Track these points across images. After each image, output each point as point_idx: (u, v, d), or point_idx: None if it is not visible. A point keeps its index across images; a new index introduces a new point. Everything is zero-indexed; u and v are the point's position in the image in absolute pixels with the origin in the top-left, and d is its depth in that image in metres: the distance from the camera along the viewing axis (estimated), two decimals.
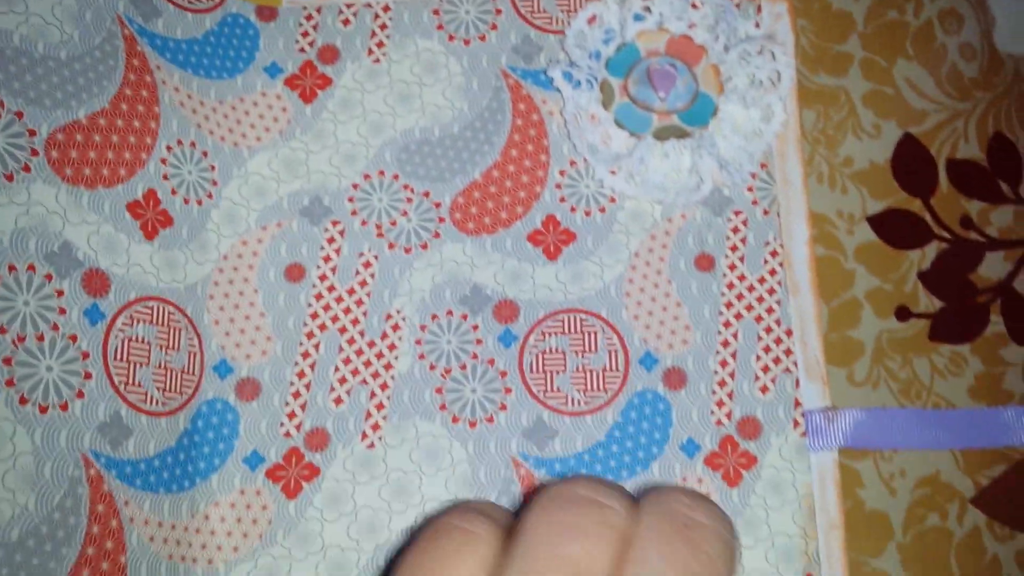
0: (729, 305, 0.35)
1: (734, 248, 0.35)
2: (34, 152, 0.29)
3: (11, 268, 0.28)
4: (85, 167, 0.31)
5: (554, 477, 0.33)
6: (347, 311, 0.35)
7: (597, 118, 0.35)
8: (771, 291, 0.35)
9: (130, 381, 0.31)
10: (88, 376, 0.30)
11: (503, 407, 0.34)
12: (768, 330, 0.35)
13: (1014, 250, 0.36)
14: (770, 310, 0.35)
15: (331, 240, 0.35)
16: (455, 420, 0.34)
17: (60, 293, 0.29)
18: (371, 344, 0.34)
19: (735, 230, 0.35)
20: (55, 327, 0.29)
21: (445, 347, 0.34)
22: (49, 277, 0.29)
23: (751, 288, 0.35)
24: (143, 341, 0.32)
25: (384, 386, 0.34)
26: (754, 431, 0.34)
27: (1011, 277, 0.36)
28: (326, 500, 0.33)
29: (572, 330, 0.35)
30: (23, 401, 0.28)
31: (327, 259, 0.35)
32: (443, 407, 0.34)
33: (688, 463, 0.33)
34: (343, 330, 0.34)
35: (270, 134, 0.35)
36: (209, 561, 0.32)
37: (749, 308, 0.35)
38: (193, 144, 0.34)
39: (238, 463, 0.33)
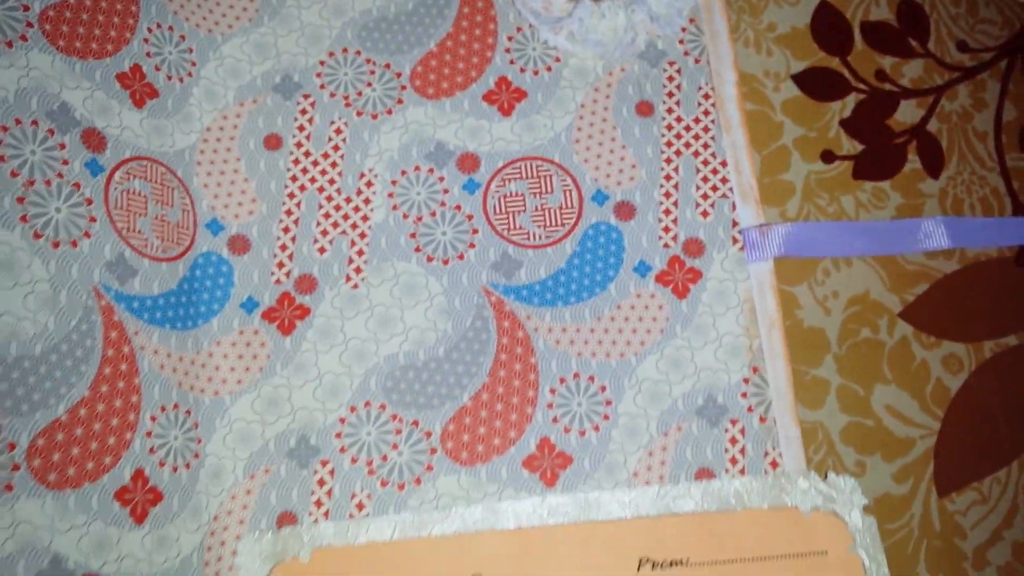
0: (669, 144, 0.41)
1: (670, 95, 0.42)
2: None
3: (17, 121, 0.34)
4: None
5: (522, 302, 0.39)
6: (323, 173, 0.41)
7: None
8: (706, 129, 0.41)
9: (131, 228, 0.37)
10: (93, 219, 0.35)
11: (472, 245, 0.40)
12: (705, 163, 0.41)
13: (925, 97, 0.43)
14: (706, 145, 0.41)
15: (303, 111, 0.41)
16: (430, 259, 0.40)
17: (62, 146, 0.35)
18: (348, 200, 0.40)
19: (670, 79, 0.42)
20: (60, 175, 0.35)
21: (415, 198, 0.40)
22: (51, 132, 0.35)
23: (688, 128, 0.41)
24: (140, 194, 0.37)
25: (363, 235, 0.40)
26: (698, 250, 0.40)
27: (924, 121, 0.43)
28: (318, 334, 0.39)
29: (529, 175, 0.41)
30: (37, 236, 0.33)
31: (301, 128, 0.41)
32: (417, 249, 0.40)
33: (641, 281, 0.40)
34: (321, 189, 0.40)
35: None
36: (216, 392, 0.38)
37: (687, 145, 0.41)
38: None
39: (235, 308, 0.39)
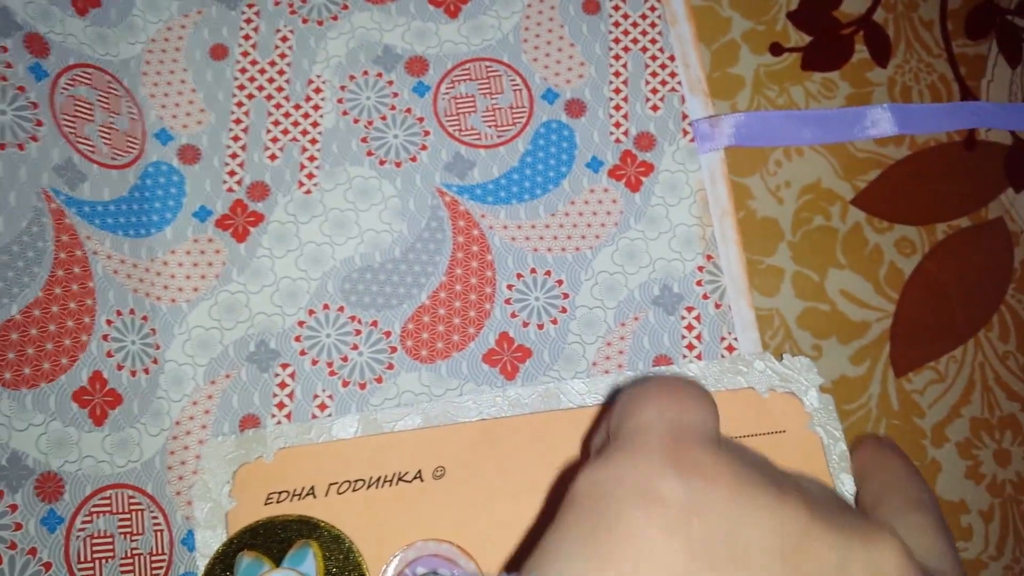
0: (617, 41, 0.42)
1: None
2: None
3: None
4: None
5: (476, 201, 0.40)
6: (271, 80, 0.41)
7: None
8: (653, 24, 0.42)
9: (79, 134, 0.37)
10: (39, 124, 0.36)
11: (424, 147, 0.41)
12: (653, 58, 0.42)
13: None
14: (653, 40, 0.42)
15: (248, 21, 0.42)
16: (382, 163, 0.40)
17: (4, 49, 0.35)
18: (297, 107, 0.41)
19: None
20: (3, 78, 0.35)
21: (365, 103, 0.41)
22: (3, 49, 0.35)
23: (635, 24, 0.42)
24: (86, 101, 0.38)
25: (313, 141, 0.41)
26: (649, 143, 0.41)
27: (870, 11, 0.44)
28: (273, 240, 0.39)
29: (478, 76, 0.42)
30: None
31: (247, 37, 0.41)
32: (369, 153, 0.40)
33: (594, 177, 0.41)
34: (269, 97, 0.41)
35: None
36: (172, 300, 0.38)
37: (635, 41, 0.42)
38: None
39: (188, 217, 0.39)
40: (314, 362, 0.38)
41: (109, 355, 0.36)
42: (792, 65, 0.43)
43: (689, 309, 0.39)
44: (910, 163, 0.42)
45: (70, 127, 0.37)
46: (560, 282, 0.39)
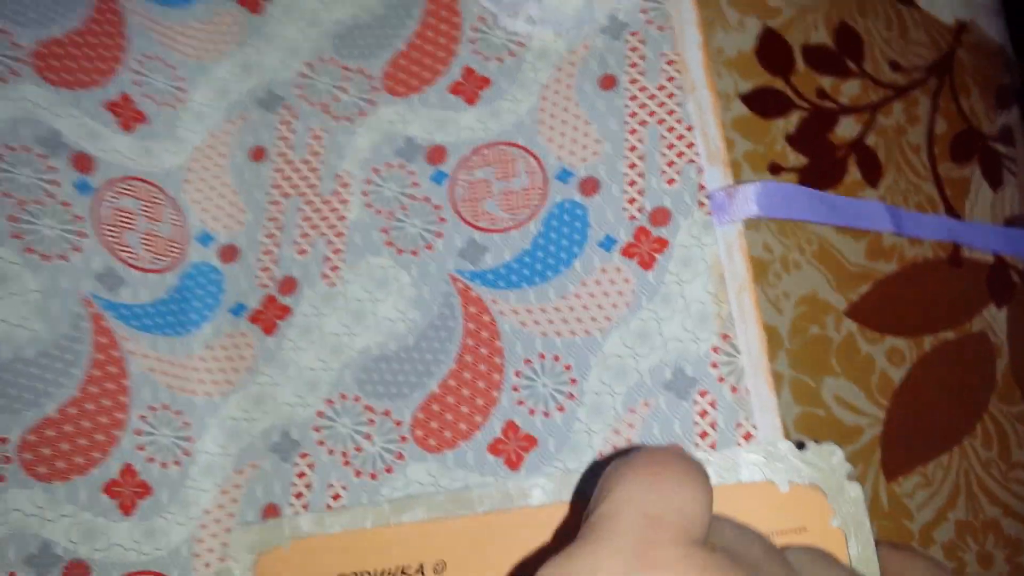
0: (633, 115, 0.42)
1: (633, 65, 0.42)
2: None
3: (9, 148, 0.39)
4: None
5: (488, 287, 0.41)
6: (304, 178, 0.44)
7: None
8: (670, 95, 0.41)
9: (120, 242, 0.41)
10: (83, 235, 0.40)
11: (439, 235, 0.42)
12: (670, 129, 0.41)
13: (862, 114, 0.46)
14: (671, 112, 0.41)
15: (285, 122, 0.45)
16: (400, 252, 0.42)
17: (53, 168, 0.40)
18: (326, 202, 0.44)
19: (633, 49, 0.42)
20: (50, 195, 0.40)
21: (387, 194, 0.43)
22: (42, 156, 0.40)
23: (652, 96, 0.42)
24: (129, 211, 0.42)
25: (339, 234, 0.43)
26: (664, 218, 0.40)
27: (862, 136, 0.46)
28: (297, 332, 0.42)
29: (494, 160, 0.42)
30: (29, 251, 0.39)
31: (284, 139, 0.45)
32: (388, 243, 0.42)
33: (606, 256, 0.40)
34: (302, 194, 0.44)
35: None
36: (207, 393, 0.42)
37: (652, 114, 0.41)
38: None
39: (226, 313, 0.43)
40: (330, 452, 0.40)
41: (140, 448, 0.39)
42: (788, 184, 0.43)
43: (703, 393, 0.38)
44: (899, 278, 0.44)
45: (112, 236, 0.41)
46: (568, 367, 0.39)
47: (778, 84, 0.45)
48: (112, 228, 0.41)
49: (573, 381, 0.39)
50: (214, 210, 0.44)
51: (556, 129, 0.42)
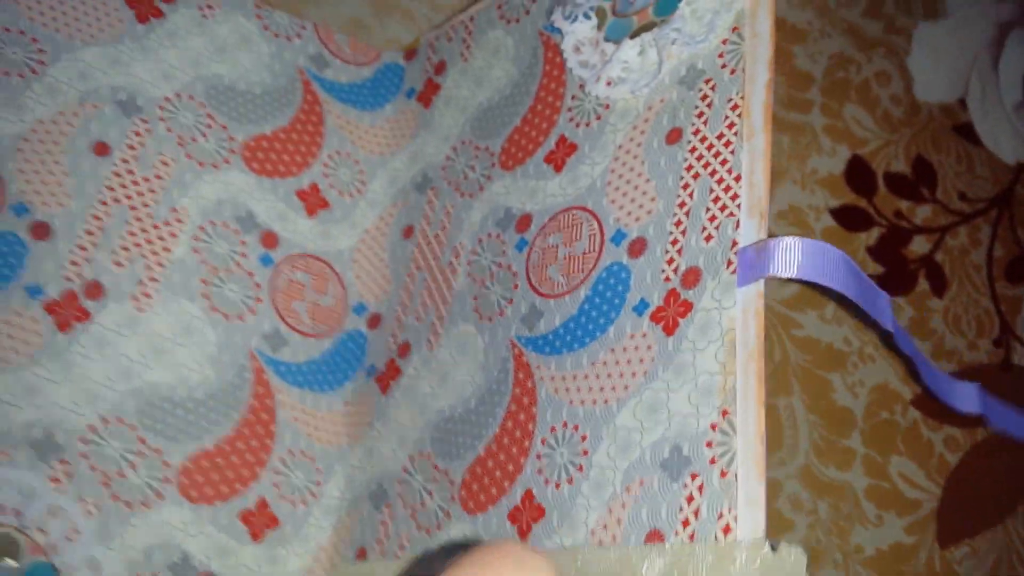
0: (689, 167, 0.39)
1: (700, 114, 0.39)
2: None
3: (212, 223, 0.50)
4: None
5: (536, 352, 0.41)
6: (434, 254, 0.49)
7: (591, 41, 0.44)
8: (727, 144, 0.38)
9: (288, 308, 0.50)
10: (259, 300, 0.50)
11: (510, 301, 0.43)
12: (719, 181, 0.37)
13: (932, 234, 0.57)
14: (724, 162, 0.37)
15: (430, 203, 0.50)
16: (481, 318, 0.44)
17: (244, 243, 0.51)
18: (442, 272, 0.48)
19: (703, 97, 0.39)
20: (239, 264, 0.50)
21: (484, 263, 0.46)
22: (237, 232, 0.51)
23: (710, 146, 0.38)
24: (300, 283, 0.51)
25: (446, 302, 0.47)
26: (694, 280, 0.36)
27: (932, 252, 0.56)
28: (402, 393, 0.46)
29: (565, 226, 0.43)
30: (213, 309, 0.49)
31: (426, 217, 0.50)
32: (476, 310, 0.45)
33: (637, 321, 0.38)
34: (429, 268, 0.48)
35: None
36: (338, 444, 0.48)
37: (706, 165, 0.38)
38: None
39: (362, 375, 0.49)
40: (404, 506, 0.43)
41: (276, 486, 0.47)
42: None
43: (694, 476, 0.33)
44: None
45: (283, 304, 0.50)
46: (584, 437, 0.37)
47: (862, 203, 0.56)
48: (284, 296, 0.51)
49: (584, 452, 0.37)
50: (370, 283, 0.51)
51: (620, 190, 0.41)
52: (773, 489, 0.50)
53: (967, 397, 0.42)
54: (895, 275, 0.54)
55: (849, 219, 0.55)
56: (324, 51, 0.55)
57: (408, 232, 0.51)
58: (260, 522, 0.46)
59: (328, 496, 0.47)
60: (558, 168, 0.44)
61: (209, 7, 0.52)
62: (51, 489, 0.43)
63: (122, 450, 0.44)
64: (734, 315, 0.34)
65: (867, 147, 0.57)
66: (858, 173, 0.56)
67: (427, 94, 0.54)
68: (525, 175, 0.46)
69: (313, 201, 0.53)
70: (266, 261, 0.51)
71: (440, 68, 0.53)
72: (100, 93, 0.48)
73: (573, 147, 0.44)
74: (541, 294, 0.42)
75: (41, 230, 0.45)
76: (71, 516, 0.43)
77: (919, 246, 0.56)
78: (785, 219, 0.56)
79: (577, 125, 0.44)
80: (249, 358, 0.49)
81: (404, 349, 0.47)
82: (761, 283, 0.34)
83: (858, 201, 0.56)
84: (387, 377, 0.48)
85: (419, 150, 0.53)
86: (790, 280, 0.34)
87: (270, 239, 0.51)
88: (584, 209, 0.42)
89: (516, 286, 0.43)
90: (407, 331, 0.48)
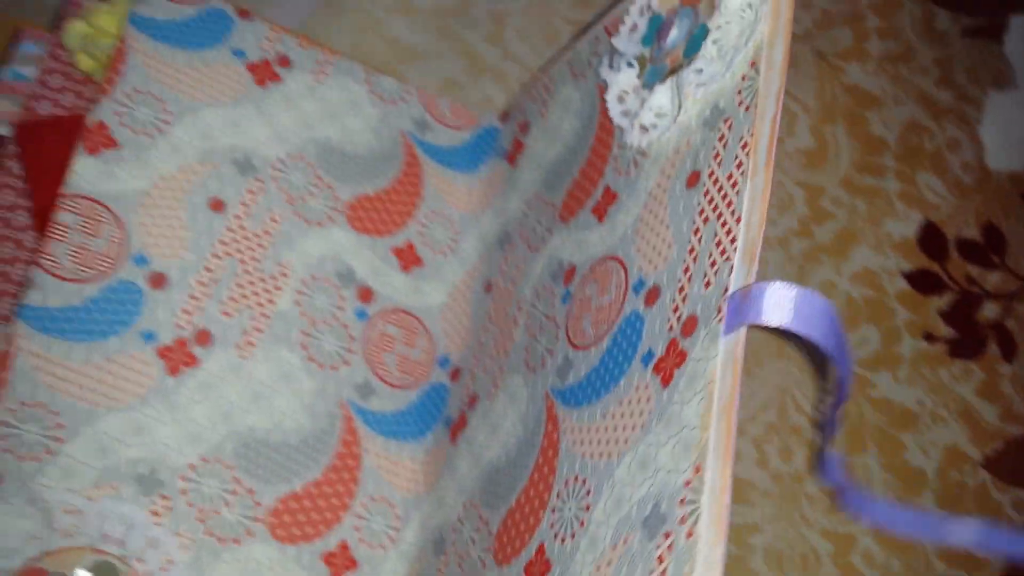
0: (702, 211, 0.37)
1: (716, 155, 0.38)
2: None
3: (314, 277, 0.54)
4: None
5: (564, 404, 0.40)
6: (497, 303, 0.50)
7: (634, 89, 0.44)
8: (735, 184, 0.36)
9: (379, 360, 0.53)
10: (352, 352, 0.53)
11: (551, 352, 0.43)
12: (724, 223, 0.36)
13: (1003, 300, 0.58)
14: (729, 203, 0.36)
15: (506, 258, 0.51)
16: (528, 370, 0.45)
17: (342, 298, 0.54)
18: (507, 325, 0.49)
19: (720, 137, 0.38)
20: (335, 318, 0.54)
21: (538, 315, 0.46)
22: (336, 287, 0.54)
23: (720, 188, 0.37)
24: (392, 337, 0.54)
25: (506, 353, 0.47)
26: (691, 328, 0.35)
27: (1002, 318, 0.58)
28: (463, 441, 0.47)
29: (599, 276, 0.42)
30: (310, 359, 0.53)
31: (503, 270, 0.51)
32: (525, 362, 0.45)
33: (643, 372, 0.37)
34: (496, 321, 0.50)
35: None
36: (416, 492, 0.50)
37: (715, 208, 0.36)
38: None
39: (442, 425, 0.51)
40: (459, 562, 0.44)
41: (357, 530, 0.50)
42: (941, 352, 0.57)
43: (667, 535, 0.32)
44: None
45: (374, 355, 0.53)
46: (589, 492, 0.37)
47: (934, 268, 0.59)
48: (376, 349, 0.54)
49: (587, 508, 0.36)
50: (455, 337, 0.53)
51: (645, 237, 0.40)
52: (847, 544, 0.53)
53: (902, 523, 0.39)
54: (967, 339, 0.56)
55: (922, 283, 0.58)
56: (427, 115, 0.59)
57: (488, 287, 0.52)
58: (340, 564, 0.49)
59: (404, 542, 0.49)
60: (601, 218, 0.44)
61: (322, 72, 0.56)
62: (151, 522, 0.48)
63: (218, 489, 0.49)
64: (716, 366, 0.33)
65: (939, 213, 0.60)
66: (931, 238, 0.59)
67: (514, 153, 0.55)
68: (576, 226, 0.46)
69: (408, 258, 0.56)
70: (361, 315, 0.54)
71: (525, 127, 0.55)
72: (219, 152, 0.52)
73: (614, 196, 0.44)
74: (575, 346, 0.42)
75: (158, 280, 0.49)
76: (168, 548, 0.48)
77: (989, 311, 0.58)
78: (860, 281, 0.58)
79: (619, 174, 0.44)
80: (340, 407, 0.52)
81: (472, 400, 0.49)
82: (743, 332, 0.32)
83: (931, 265, 0.59)
84: (457, 427, 0.49)
85: (503, 207, 0.54)
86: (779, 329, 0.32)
87: (366, 294, 0.55)
88: (615, 258, 0.42)
89: (557, 337, 0.43)
90: (476, 383, 0.49)
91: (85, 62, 0.51)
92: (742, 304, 0.33)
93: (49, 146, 0.50)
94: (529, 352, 0.45)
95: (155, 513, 0.47)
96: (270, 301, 0.52)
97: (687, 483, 0.32)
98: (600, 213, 0.44)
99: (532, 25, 0.62)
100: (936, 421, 0.54)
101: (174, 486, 0.48)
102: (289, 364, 0.52)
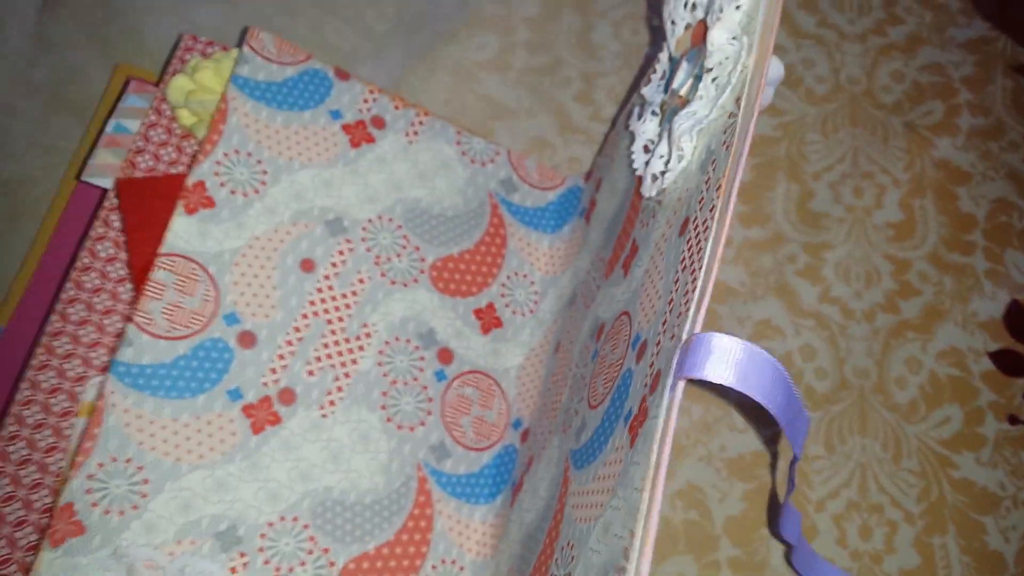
0: (682, 261, 0.35)
1: (701, 200, 0.36)
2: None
3: (396, 338, 0.56)
4: None
5: (573, 467, 0.39)
6: (560, 362, 0.49)
7: (656, 137, 0.43)
8: (707, 228, 0.34)
9: (455, 422, 0.54)
10: (429, 413, 0.55)
11: (576, 414, 0.42)
12: (693, 272, 0.34)
13: None
14: (700, 249, 0.34)
15: (571, 316, 0.51)
16: (563, 432, 0.44)
17: (423, 359, 0.56)
18: (556, 382, 0.48)
19: (707, 180, 0.36)
20: (415, 379, 0.55)
21: (578, 374, 0.45)
22: (417, 348, 0.56)
23: (697, 233, 0.35)
24: (468, 399, 0.55)
25: (556, 408, 0.47)
26: (656, 383, 0.33)
27: None
28: (526, 495, 0.47)
29: (615, 333, 0.41)
30: (388, 420, 0.55)
31: (567, 333, 0.51)
32: (563, 429, 0.44)
33: (622, 432, 0.35)
34: (543, 378, 0.49)
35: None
36: (485, 556, 0.50)
37: (691, 256, 0.35)
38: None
39: (508, 487, 0.51)
40: None
41: None
42: (1023, 435, 0.57)
43: None
44: None
45: (451, 417, 0.54)
46: (573, 559, 0.35)
47: (1020, 349, 0.59)
48: (453, 411, 0.55)
49: (568, 575, 0.35)
50: (528, 400, 0.53)
51: (646, 289, 0.39)
52: None
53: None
54: None
55: (1007, 363, 0.58)
56: (514, 176, 0.59)
57: (557, 348, 0.52)
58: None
59: None
60: (626, 272, 0.43)
61: (415, 132, 0.58)
62: None
63: (294, 547, 0.51)
64: (659, 425, 0.31)
65: None
66: (1018, 318, 0.59)
67: (589, 211, 0.55)
68: (611, 282, 0.45)
69: (488, 320, 0.57)
70: (440, 376, 0.55)
71: (599, 184, 0.54)
72: (312, 213, 0.53)
73: (636, 249, 0.42)
74: (590, 405, 0.41)
75: (247, 339, 0.50)
76: None
77: None
78: (945, 359, 0.59)
79: (643, 226, 0.43)
80: (415, 468, 0.53)
81: (529, 462, 0.48)
82: (680, 386, 0.30)
83: (1016, 346, 0.59)
84: (516, 490, 0.49)
85: (578, 266, 0.54)
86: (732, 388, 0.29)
87: (446, 355, 0.56)
88: (626, 313, 0.40)
89: (583, 398, 0.42)
90: (534, 445, 0.49)
91: (186, 117, 0.55)
92: (684, 357, 0.30)
93: (149, 202, 0.53)
94: (567, 413, 0.44)
95: (232, 570, 0.50)
96: (353, 361, 0.54)
97: (625, 551, 0.30)
98: (627, 267, 0.43)
99: (620, 85, 0.62)
100: (1018, 505, 0.53)
101: (252, 544, 0.50)
102: (368, 424, 0.54)
